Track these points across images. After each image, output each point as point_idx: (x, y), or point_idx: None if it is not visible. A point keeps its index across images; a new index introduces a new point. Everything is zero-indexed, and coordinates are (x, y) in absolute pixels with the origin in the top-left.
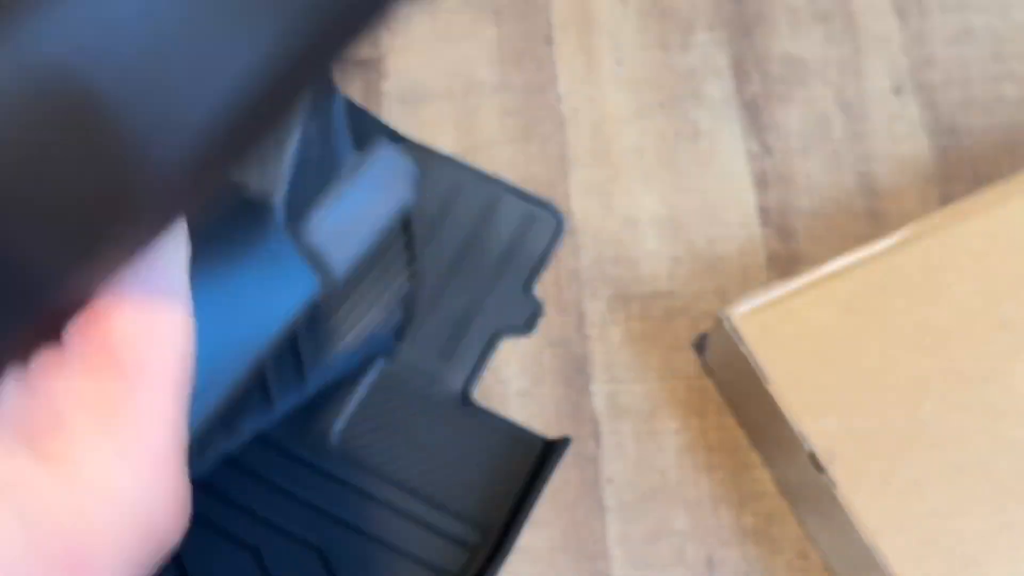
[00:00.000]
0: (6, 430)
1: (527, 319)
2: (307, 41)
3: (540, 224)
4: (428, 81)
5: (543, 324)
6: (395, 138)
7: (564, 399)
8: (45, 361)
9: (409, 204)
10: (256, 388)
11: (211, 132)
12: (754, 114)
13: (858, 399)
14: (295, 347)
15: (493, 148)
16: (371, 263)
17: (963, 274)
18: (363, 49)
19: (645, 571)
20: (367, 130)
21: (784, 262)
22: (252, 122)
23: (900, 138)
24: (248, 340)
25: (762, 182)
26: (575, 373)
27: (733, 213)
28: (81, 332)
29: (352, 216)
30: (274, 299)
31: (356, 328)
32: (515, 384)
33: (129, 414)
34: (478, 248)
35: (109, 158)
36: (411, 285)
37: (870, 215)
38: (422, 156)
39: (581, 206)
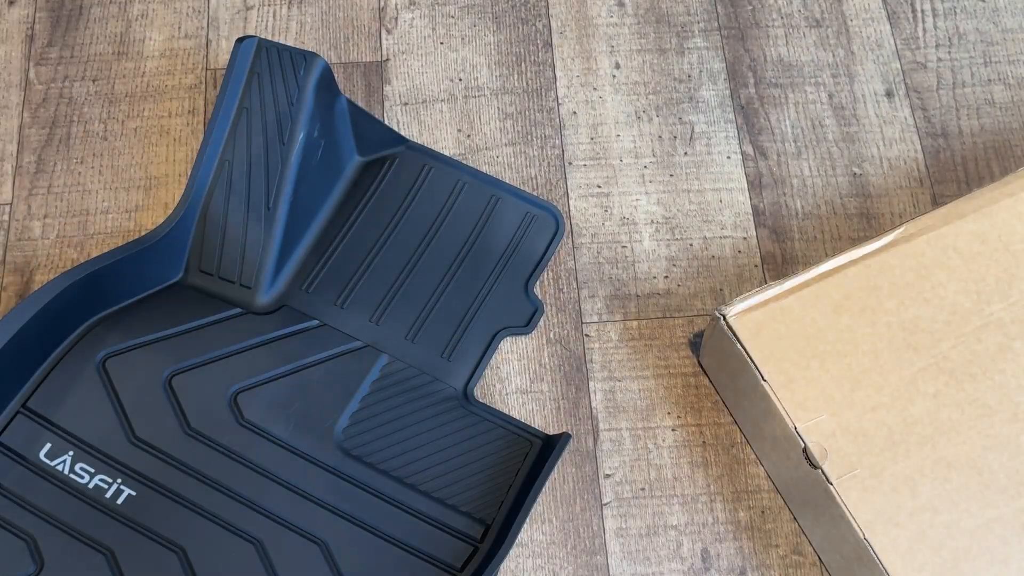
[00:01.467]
0: None
1: (527, 318)
2: None
3: (539, 225)
4: (430, 84)
5: (543, 323)
6: (398, 139)
7: (563, 397)
8: None
9: None
10: None
11: None
12: (749, 117)
13: (851, 396)
14: None
15: (493, 150)
16: None
17: (953, 274)
18: (367, 53)
19: (642, 565)
20: (370, 132)
21: (778, 262)
22: None
23: (892, 140)
24: None
25: (756, 184)
26: (574, 371)
27: (728, 214)
28: None
29: None
30: None
31: None
32: (515, 382)
33: None
34: (478, 248)
35: None
36: None
37: (862, 216)
38: (424, 158)
39: (579, 207)
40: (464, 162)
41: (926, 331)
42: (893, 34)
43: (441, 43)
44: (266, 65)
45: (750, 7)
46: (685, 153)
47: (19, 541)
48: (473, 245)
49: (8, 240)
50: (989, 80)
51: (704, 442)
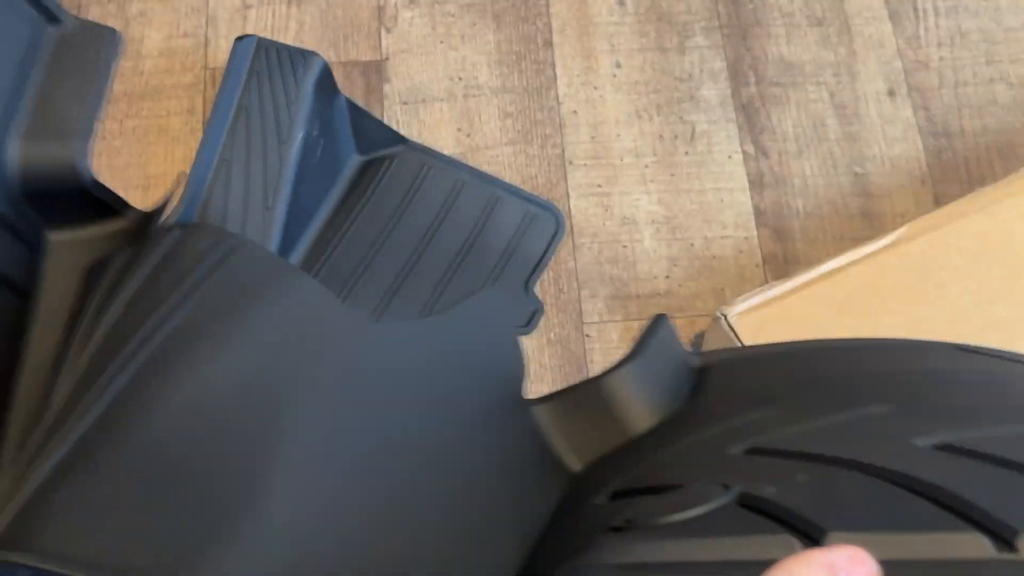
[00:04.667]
0: None
1: (527, 318)
2: None
3: (540, 224)
4: (429, 83)
5: (543, 323)
6: (397, 139)
7: None
8: None
9: None
10: None
11: None
12: (750, 116)
13: None
14: None
15: (493, 149)
16: None
17: (956, 274)
18: (366, 52)
19: None
20: (370, 132)
21: (779, 262)
22: None
23: (894, 140)
24: None
25: (758, 183)
26: (574, 371)
27: (729, 214)
28: None
29: None
30: None
31: None
32: None
33: None
34: (478, 248)
35: None
36: None
37: (864, 216)
38: (424, 157)
39: (580, 207)
40: (464, 161)
41: (929, 331)
42: (895, 33)
43: (441, 42)
44: (265, 64)
45: (751, 6)
46: (686, 152)
47: None
48: (473, 245)
49: None
50: (991, 79)
51: None
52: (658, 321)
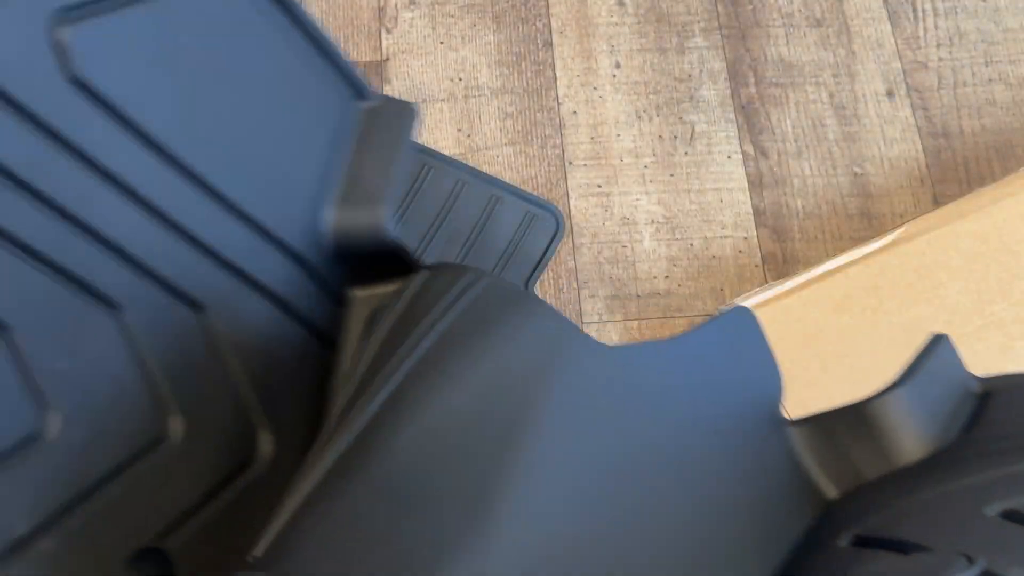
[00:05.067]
0: None
1: None
2: None
3: (539, 224)
4: (430, 84)
5: None
6: None
7: None
8: None
9: None
10: None
11: None
12: (749, 117)
13: (851, 397)
14: None
15: (493, 150)
16: None
17: (955, 274)
18: (367, 52)
19: None
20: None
21: (779, 262)
22: None
23: (893, 140)
24: None
25: (757, 184)
26: None
27: (729, 214)
28: None
29: None
30: None
31: None
32: None
33: None
34: (478, 248)
35: None
36: None
37: (863, 216)
38: (424, 157)
39: (580, 207)
40: (464, 162)
41: (927, 331)
42: (894, 33)
43: (441, 43)
44: None
45: (751, 6)
46: (686, 153)
47: None
48: (473, 244)
49: None
50: (990, 80)
51: None
52: (937, 340)
